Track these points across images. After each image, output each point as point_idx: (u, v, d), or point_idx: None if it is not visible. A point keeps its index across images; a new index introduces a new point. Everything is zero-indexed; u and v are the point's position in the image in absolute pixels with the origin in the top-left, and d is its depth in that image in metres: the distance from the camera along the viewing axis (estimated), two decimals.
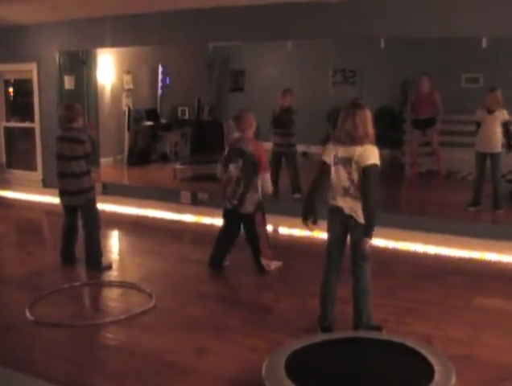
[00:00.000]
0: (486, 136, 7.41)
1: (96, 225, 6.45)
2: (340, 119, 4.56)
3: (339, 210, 4.59)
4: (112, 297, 5.92)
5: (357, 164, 4.43)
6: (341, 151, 4.51)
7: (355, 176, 4.46)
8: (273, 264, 6.30)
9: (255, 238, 6.21)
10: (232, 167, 6.17)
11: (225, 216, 6.37)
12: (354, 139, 4.44)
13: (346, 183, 4.51)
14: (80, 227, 6.47)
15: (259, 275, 6.19)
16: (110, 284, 6.11)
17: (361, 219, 4.51)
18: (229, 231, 6.37)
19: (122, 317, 5.08)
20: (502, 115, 7.36)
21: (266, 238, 6.31)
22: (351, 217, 4.55)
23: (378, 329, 4.63)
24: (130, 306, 5.33)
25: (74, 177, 6.20)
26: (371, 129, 4.49)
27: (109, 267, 6.44)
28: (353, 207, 4.53)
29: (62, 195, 6.38)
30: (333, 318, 4.81)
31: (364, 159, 4.41)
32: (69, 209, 6.44)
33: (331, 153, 4.59)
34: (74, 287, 5.89)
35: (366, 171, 4.41)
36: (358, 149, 4.43)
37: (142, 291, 5.71)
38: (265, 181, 6.18)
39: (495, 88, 7.36)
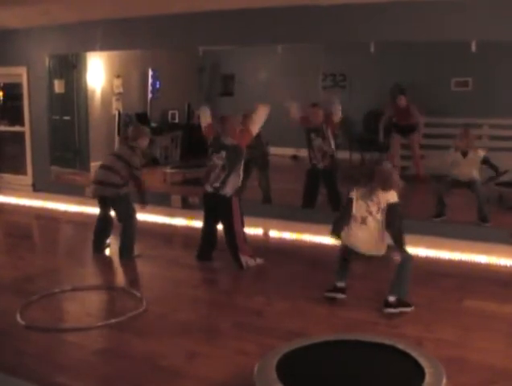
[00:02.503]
0: (464, 172, 7.22)
1: (128, 218, 6.83)
2: (371, 176, 5.31)
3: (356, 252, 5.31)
4: (103, 302, 5.92)
5: (377, 198, 5.16)
6: (364, 191, 5.25)
7: (373, 209, 5.17)
8: (250, 261, 6.41)
9: (232, 230, 6.33)
10: (215, 157, 6.38)
11: (204, 202, 6.58)
12: (385, 190, 5.19)
13: (364, 214, 5.20)
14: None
15: (252, 279, 6.24)
16: (101, 288, 6.10)
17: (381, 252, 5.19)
18: (208, 218, 6.56)
19: (113, 321, 5.07)
20: (478, 156, 7.15)
21: (243, 234, 6.46)
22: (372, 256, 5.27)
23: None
24: (121, 310, 5.31)
25: (109, 170, 6.72)
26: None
27: (139, 256, 6.92)
28: (371, 242, 5.21)
29: (94, 184, 6.94)
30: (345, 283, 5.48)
31: (387, 200, 5.16)
32: (100, 201, 6.97)
33: (355, 194, 5.33)
34: (65, 291, 5.86)
35: (391, 208, 5.15)
36: (380, 192, 5.18)
37: (132, 295, 5.71)
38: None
39: (467, 129, 7.28)
